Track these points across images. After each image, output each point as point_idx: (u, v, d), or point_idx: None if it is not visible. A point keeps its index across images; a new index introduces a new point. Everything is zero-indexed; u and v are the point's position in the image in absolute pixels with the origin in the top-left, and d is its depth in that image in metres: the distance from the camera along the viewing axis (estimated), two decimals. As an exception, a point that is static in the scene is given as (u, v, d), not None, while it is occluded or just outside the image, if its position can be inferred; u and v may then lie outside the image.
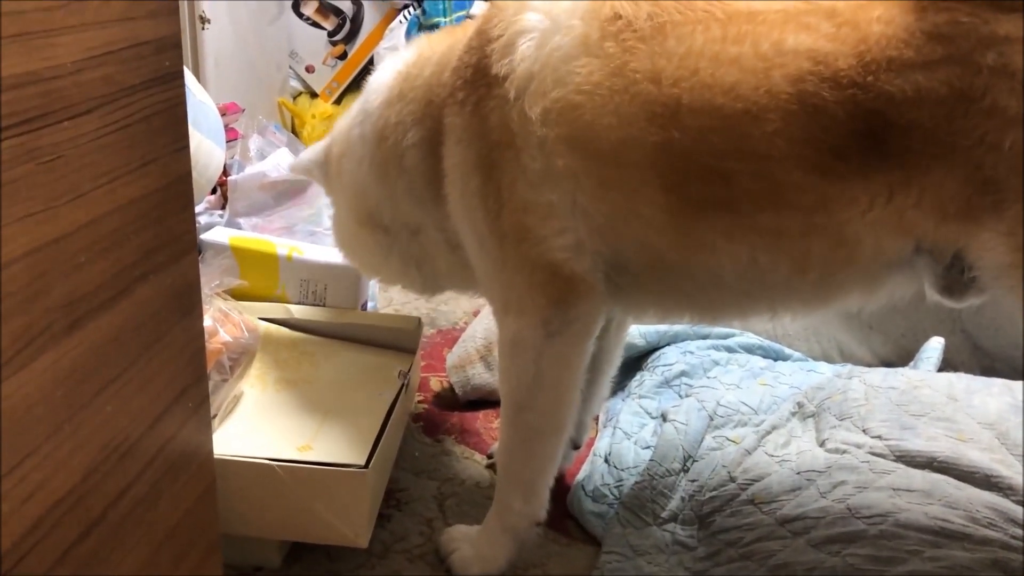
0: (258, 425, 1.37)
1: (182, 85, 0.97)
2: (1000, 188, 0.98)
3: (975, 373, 1.71)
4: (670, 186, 1.09)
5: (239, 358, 1.37)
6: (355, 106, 1.44)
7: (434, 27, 2.85)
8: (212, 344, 1.30)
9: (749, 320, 1.75)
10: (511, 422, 1.26)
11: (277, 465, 1.25)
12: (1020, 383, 1.62)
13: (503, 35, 1.16)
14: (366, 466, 1.26)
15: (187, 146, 1.00)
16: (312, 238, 1.91)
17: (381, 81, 1.37)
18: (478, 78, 1.17)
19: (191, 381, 1.07)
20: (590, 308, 1.19)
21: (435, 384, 1.85)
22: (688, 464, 1.48)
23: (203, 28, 2.68)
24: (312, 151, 1.54)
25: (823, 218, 1.05)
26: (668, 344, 1.82)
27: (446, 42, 1.30)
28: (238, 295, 1.63)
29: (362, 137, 1.38)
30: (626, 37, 1.09)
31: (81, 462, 0.85)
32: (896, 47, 0.99)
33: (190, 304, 1.05)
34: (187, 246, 1.02)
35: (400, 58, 1.38)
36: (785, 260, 1.11)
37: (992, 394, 1.56)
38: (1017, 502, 1.30)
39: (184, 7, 2.66)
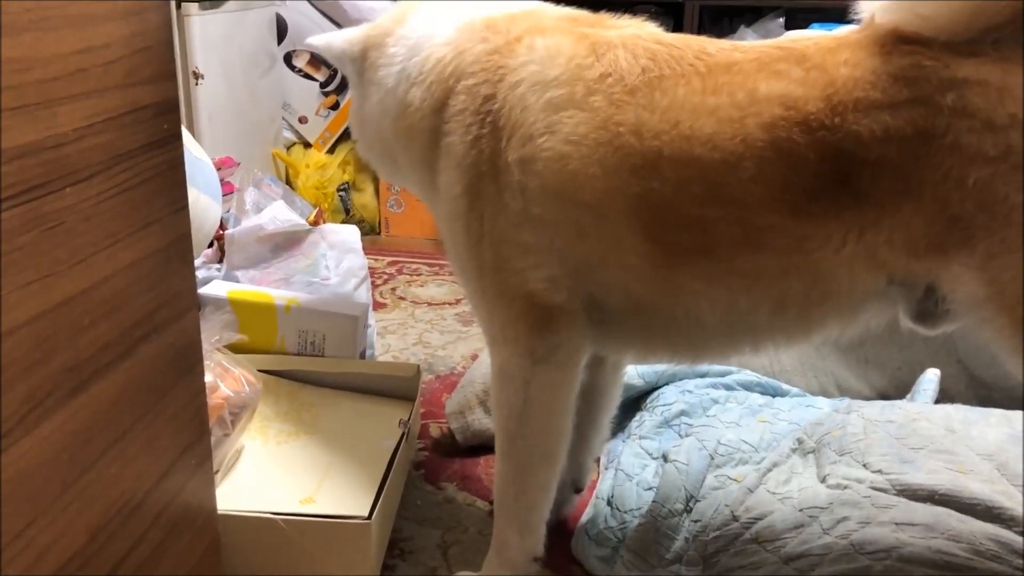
0: (260, 479, 1.37)
1: (180, 147, 0.99)
2: (968, 224, 1.00)
3: (972, 403, 1.71)
4: (650, 234, 1.12)
5: (240, 412, 1.38)
6: (406, 30, 1.34)
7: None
8: (213, 399, 1.31)
9: (731, 358, 1.75)
10: (504, 453, 1.27)
11: (280, 519, 1.25)
12: (1018, 413, 1.62)
13: (516, 82, 1.17)
14: (369, 517, 1.26)
15: (186, 206, 1.02)
16: (309, 288, 1.93)
17: (431, 47, 1.28)
18: (484, 112, 1.19)
19: (194, 438, 1.08)
20: (573, 335, 1.20)
21: (435, 431, 1.85)
22: (691, 504, 1.48)
23: (196, 84, 2.71)
24: (347, 40, 1.41)
25: (799, 258, 1.08)
26: (666, 383, 1.83)
27: (482, 40, 1.24)
28: (237, 348, 1.64)
29: (394, 92, 1.31)
30: (615, 91, 1.12)
31: (87, 524, 0.85)
32: (863, 89, 1.02)
33: (192, 361, 1.07)
34: (188, 304, 1.04)
35: (447, 31, 1.29)
36: (764, 301, 1.13)
37: (990, 425, 1.56)
38: (1020, 533, 1.30)
39: (177, 63, 2.70)
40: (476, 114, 1.19)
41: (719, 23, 3.75)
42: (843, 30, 1.13)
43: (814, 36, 1.14)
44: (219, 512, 1.18)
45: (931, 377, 1.79)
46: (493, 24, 1.25)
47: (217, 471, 1.31)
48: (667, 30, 1.22)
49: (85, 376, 0.84)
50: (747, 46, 1.15)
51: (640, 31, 1.21)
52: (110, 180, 0.87)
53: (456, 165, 1.21)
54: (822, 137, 1.03)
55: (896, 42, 1.04)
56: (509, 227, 1.16)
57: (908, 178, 1.01)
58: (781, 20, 3.56)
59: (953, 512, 1.35)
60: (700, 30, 3.58)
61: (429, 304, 2.59)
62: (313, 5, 3.38)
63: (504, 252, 1.17)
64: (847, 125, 1.02)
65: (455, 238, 1.24)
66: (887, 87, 1.01)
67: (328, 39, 1.43)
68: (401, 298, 2.63)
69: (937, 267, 1.04)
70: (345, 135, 3.28)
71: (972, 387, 1.80)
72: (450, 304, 2.58)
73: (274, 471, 1.39)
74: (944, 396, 1.77)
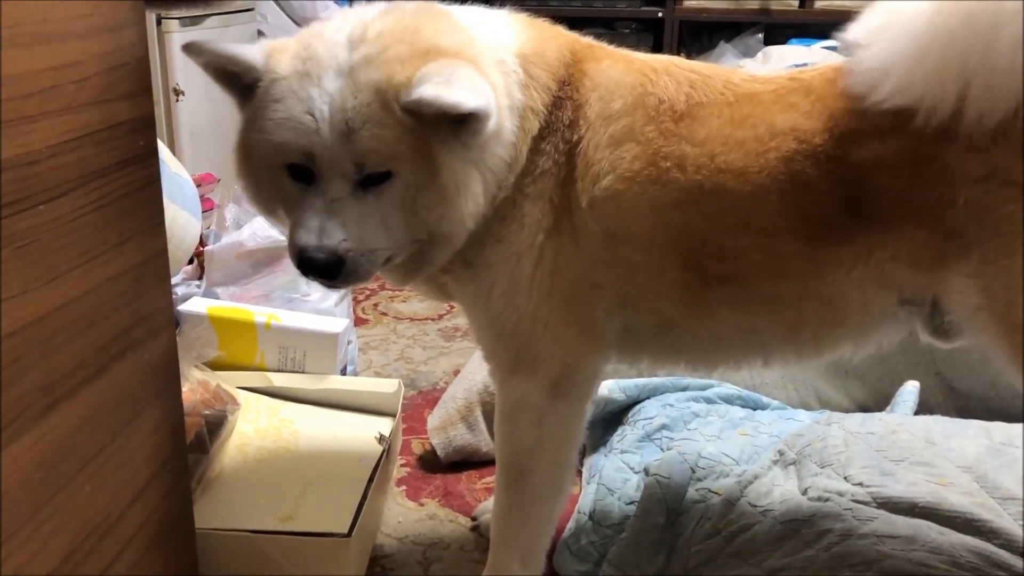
0: (239, 496, 1.36)
1: (156, 163, 0.99)
2: (963, 235, 1.04)
3: (951, 415, 1.72)
4: (687, 264, 1.14)
5: (219, 429, 1.37)
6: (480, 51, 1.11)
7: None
8: (192, 417, 1.30)
9: (742, 370, 1.74)
10: (511, 486, 1.26)
11: (259, 536, 1.24)
12: (996, 424, 1.63)
13: (589, 120, 1.14)
14: (349, 534, 1.25)
15: (163, 223, 1.01)
16: (290, 305, 1.92)
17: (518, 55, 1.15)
18: (568, 142, 1.15)
19: (171, 455, 1.07)
20: (596, 369, 1.23)
21: (417, 447, 1.85)
22: (672, 518, 1.48)
23: (177, 100, 2.71)
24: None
25: (814, 281, 1.12)
26: (648, 398, 1.83)
27: (552, 40, 1.18)
28: (217, 364, 1.63)
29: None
30: (665, 120, 1.13)
31: (61, 544, 0.84)
32: (855, 120, 1.05)
33: (169, 379, 1.06)
34: (164, 321, 1.03)
35: (503, 38, 1.16)
36: (781, 322, 1.17)
37: (969, 437, 1.57)
38: (999, 546, 1.30)
39: (158, 80, 2.69)
40: (566, 143, 1.15)
41: (698, 39, 3.77)
42: (819, 46, 1.15)
43: (822, 67, 1.16)
44: (197, 530, 1.17)
45: (910, 389, 1.80)
46: (545, 29, 1.21)
47: (195, 489, 1.29)
48: (647, 45, 1.23)
49: (59, 394, 0.84)
50: (766, 76, 1.18)
51: (671, 57, 1.22)
52: (85, 197, 0.86)
53: (539, 194, 1.15)
54: (830, 168, 1.06)
55: None
56: (584, 266, 1.16)
57: (906, 201, 1.05)
58: (760, 36, 3.59)
59: (933, 524, 1.35)
60: (680, 45, 3.61)
61: (412, 319, 2.58)
62: (294, 22, 3.38)
63: (578, 287, 1.17)
64: (847, 156, 1.05)
65: (519, 267, 1.17)
66: (873, 117, 1.04)
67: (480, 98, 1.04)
68: (383, 314, 2.62)
69: (939, 279, 1.07)
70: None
71: (951, 398, 1.81)
72: (432, 319, 2.57)
73: (253, 488, 1.38)
74: (923, 408, 1.78)
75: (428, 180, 1.06)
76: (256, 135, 1.06)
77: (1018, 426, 1.61)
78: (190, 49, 1.08)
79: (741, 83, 1.15)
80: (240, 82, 1.08)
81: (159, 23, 2.66)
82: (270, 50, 1.08)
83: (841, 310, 1.13)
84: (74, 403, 0.85)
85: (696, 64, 1.21)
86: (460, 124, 1.03)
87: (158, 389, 1.03)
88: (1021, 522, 1.35)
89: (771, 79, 1.16)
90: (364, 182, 1.05)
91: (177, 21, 2.70)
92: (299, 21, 3.37)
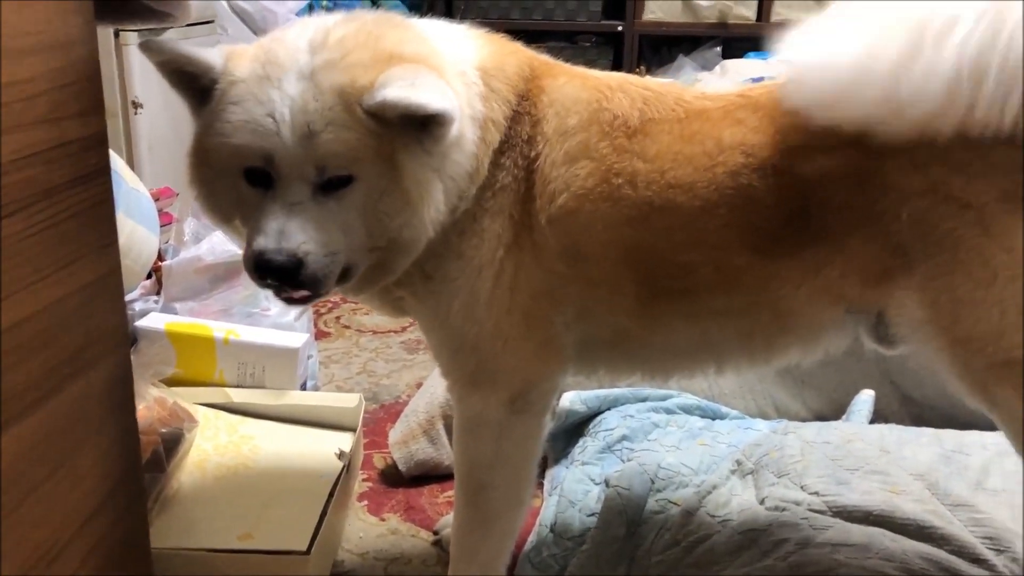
0: (197, 515, 1.35)
1: (108, 182, 0.98)
2: (907, 250, 1.06)
3: (905, 422, 1.76)
4: (640, 278, 1.16)
5: (176, 447, 1.36)
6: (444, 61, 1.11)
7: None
8: (147, 435, 1.29)
9: (696, 377, 1.77)
10: (471, 501, 1.26)
11: (217, 555, 1.23)
12: (948, 432, 1.67)
13: (546, 137, 1.15)
14: (307, 551, 1.25)
15: (115, 242, 1.00)
16: (249, 320, 1.90)
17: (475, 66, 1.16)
18: (527, 158, 1.16)
19: (124, 476, 1.05)
20: (555, 383, 1.24)
21: (379, 461, 1.84)
22: (632, 529, 1.49)
23: (136, 113, 2.68)
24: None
25: (765, 296, 1.14)
26: (608, 409, 1.84)
27: (512, 55, 1.20)
28: (175, 381, 1.61)
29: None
30: (619, 136, 1.14)
31: (9, 569, 0.83)
32: (801, 134, 1.07)
33: (123, 398, 1.05)
34: (118, 341, 1.02)
35: (464, 51, 1.16)
36: (732, 334, 1.19)
37: (922, 445, 1.61)
38: (950, 552, 1.33)
39: (116, 93, 2.67)
40: (524, 158, 1.16)
41: (658, 52, 3.81)
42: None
43: (770, 84, 1.19)
44: (154, 549, 1.16)
45: (865, 398, 1.83)
46: (504, 44, 1.22)
47: (152, 508, 1.28)
48: (608, 59, 1.25)
49: (8, 417, 0.82)
50: (716, 94, 1.20)
51: (626, 75, 1.24)
52: (34, 216, 0.85)
53: (499, 209, 1.16)
54: (775, 182, 1.08)
55: None
56: (543, 281, 1.17)
57: (851, 215, 1.07)
58: (718, 49, 3.64)
59: (887, 532, 1.38)
60: (640, 59, 3.65)
61: (374, 332, 2.57)
62: (255, 34, 3.37)
63: (538, 303, 1.18)
64: (794, 169, 1.07)
65: (479, 282, 1.16)
66: (818, 131, 1.06)
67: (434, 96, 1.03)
68: (345, 327, 2.61)
69: (885, 294, 1.09)
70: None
71: (905, 407, 1.84)
72: (395, 332, 2.57)
73: (211, 506, 1.37)
74: (879, 416, 1.81)
75: (390, 186, 1.05)
76: (213, 138, 1.05)
77: (968, 433, 1.64)
78: (147, 48, 1.06)
79: (692, 100, 1.17)
80: (197, 84, 1.07)
81: (116, 35, 2.64)
82: (229, 53, 1.07)
83: (791, 321, 1.16)
84: (24, 425, 0.84)
85: (650, 81, 1.23)
86: (423, 129, 1.03)
87: (112, 409, 1.02)
88: (970, 528, 1.38)
89: (721, 96, 1.18)
90: (325, 186, 1.04)
91: (135, 33, 2.67)
92: (260, 33, 3.35)
